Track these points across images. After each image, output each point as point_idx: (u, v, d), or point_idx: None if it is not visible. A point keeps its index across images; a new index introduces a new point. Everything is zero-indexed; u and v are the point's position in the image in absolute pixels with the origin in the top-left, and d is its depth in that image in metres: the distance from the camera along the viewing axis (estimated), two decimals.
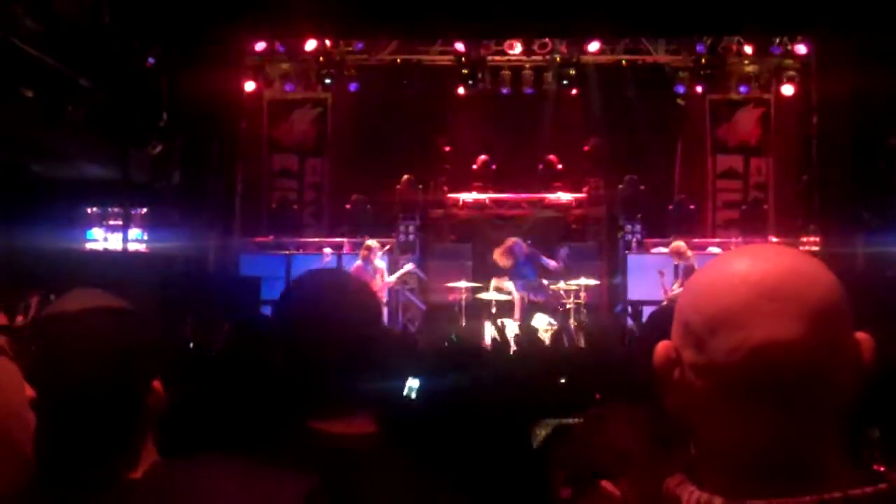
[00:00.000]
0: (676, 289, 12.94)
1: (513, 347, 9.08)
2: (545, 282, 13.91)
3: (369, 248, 13.59)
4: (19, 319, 6.31)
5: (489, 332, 12.42)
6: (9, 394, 1.02)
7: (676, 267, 13.41)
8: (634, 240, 15.94)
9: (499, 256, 13.92)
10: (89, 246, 14.53)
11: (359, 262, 13.68)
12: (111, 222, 14.80)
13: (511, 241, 14.10)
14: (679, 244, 13.13)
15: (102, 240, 14.83)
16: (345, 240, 15.36)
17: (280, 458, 1.67)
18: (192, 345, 7.36)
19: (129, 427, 1.75)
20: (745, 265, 1.24)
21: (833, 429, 1.20)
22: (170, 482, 1.64)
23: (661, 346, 1.28)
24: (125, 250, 13.07)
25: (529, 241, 14.28)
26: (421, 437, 2.34)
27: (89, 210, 14.84)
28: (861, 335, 1.22)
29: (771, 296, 1.19)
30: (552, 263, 13.96)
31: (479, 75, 17.06)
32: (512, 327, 12.23)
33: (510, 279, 13.94)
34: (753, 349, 1.17)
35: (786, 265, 1.23)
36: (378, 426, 2.03)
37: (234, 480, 1.62)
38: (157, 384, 1.80)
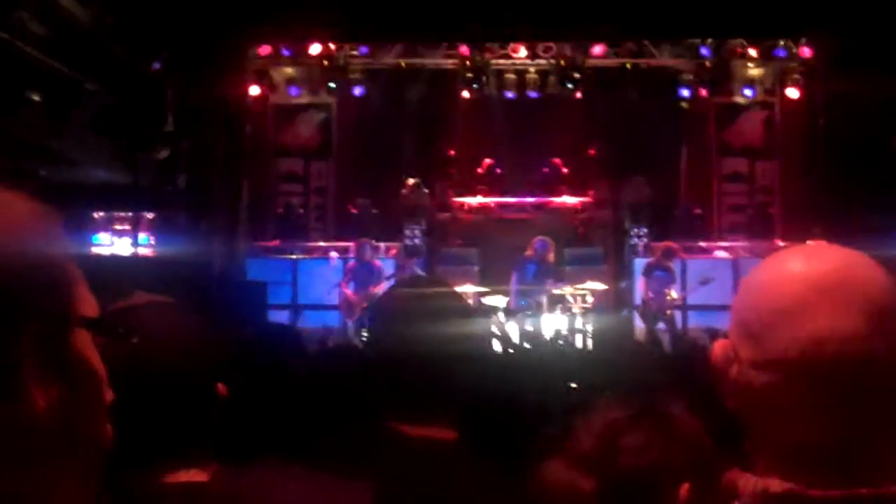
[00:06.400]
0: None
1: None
2: (544, 287, 13.87)
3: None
4: None
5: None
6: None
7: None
8: (641, 244, 15.94)
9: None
10: (95, 250, 14.51)
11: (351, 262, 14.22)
12: (117, 227, 14.80)
13: (540, 238, 14.19)
14: None
15: (109, 244, 14.83)
16: (351, 244, 15.33)
17: (341, 462, 1.65)
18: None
19: (201, 428, 1.69)
20: (799, 263, 1.27)
21: (891, 425, 1.20)
22: (235, 488, 1.61)
23: (719, 345, 1.31)
24: (134, 255, 13.05)
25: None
26: (495, 443, 2.34)
27: (95, 215, 14.85)
28: None
29: (827, 290, 1.21)
30: (547, 286, 13.90)
31: (484, 79, 17.06)
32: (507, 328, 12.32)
33: (515, 268, 14.00)
34: (810, 341, 1.19)
35: (840, 261, 1.26)
36: (457, 432, 2.03)
37: (298, 488, 1.60)
38: (221, 386, 1.75)
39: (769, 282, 1.27)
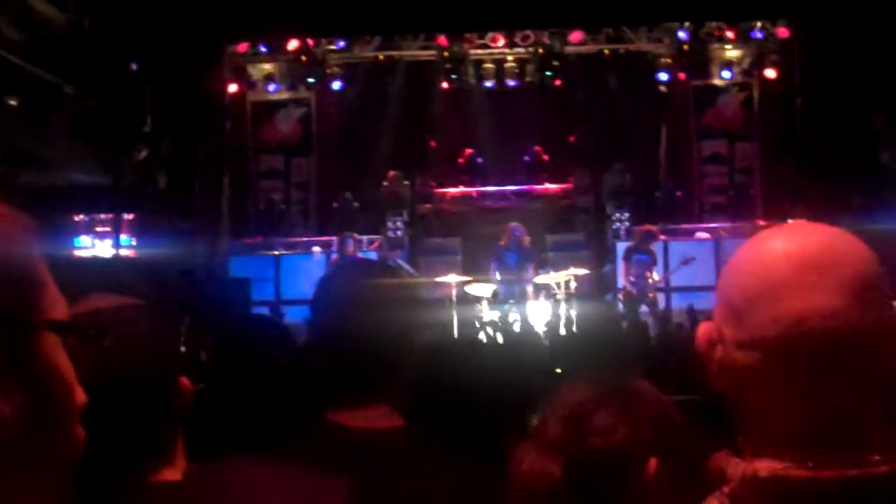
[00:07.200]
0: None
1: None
2: (526, 273, 13.87)
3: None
4: None
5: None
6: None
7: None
8: (623, 228, 15.99)
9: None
10: (77, 253, 14.45)
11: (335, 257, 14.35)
12: (98, 229, 14.74)
13: (514, 224, 14.21)
14: None
15: (90, 246, 14.75)
16: (333, 238, 15.33)
17: (302, 456, 1.66)
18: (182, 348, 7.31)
19: (165, 425, 1.67)
20: (781, 241, 1.26)
21: (877, 401, 1.21)
22: (210, 485, 1.61)
23: (703, 327, 1.30)
24: (116, 256, 13.01)
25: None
26: (442, 428, 2.33)
27: (76, 217, 14.77)
28: None
29: (808, 268, 1.21)
30: (530, 272, 13.88)
31: (463, 69, 17.09)
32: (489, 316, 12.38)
33: (494, 257, 14.01)
34: (793, 320, 1.19)
35: (822, 239, 1.25)
36: (402, 419, 2.02)
37: (273, 482, 1.61)
38: (184, 380, 1.72)
39: (752, 261, 1.27)
